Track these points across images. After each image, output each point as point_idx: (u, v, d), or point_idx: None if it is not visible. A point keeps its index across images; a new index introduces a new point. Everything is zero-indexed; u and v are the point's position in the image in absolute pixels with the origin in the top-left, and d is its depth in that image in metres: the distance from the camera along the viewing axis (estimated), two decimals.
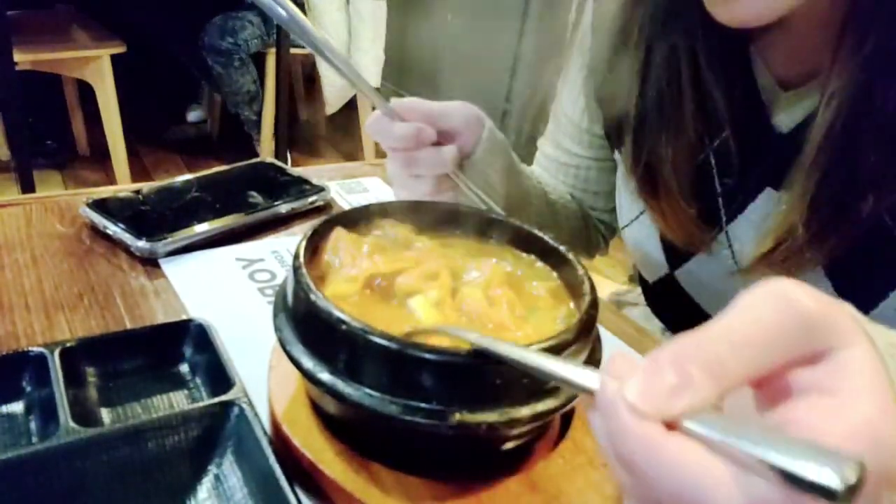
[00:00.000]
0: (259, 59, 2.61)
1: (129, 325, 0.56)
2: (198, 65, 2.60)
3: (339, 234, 0.48)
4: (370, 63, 2.72)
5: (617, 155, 0.72)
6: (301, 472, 0.41)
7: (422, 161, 0.59)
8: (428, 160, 0.59)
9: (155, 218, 0.69)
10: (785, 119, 0.59)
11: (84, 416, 0.42)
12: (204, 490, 0.42)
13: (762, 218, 0.61)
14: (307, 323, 0.41)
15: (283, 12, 0.49)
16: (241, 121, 2.71)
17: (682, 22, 0.59)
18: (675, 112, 0.61)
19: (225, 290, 0.62)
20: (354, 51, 2.68)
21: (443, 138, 0.60)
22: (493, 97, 2.76)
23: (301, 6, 2.23)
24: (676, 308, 0.72)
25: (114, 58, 2.28)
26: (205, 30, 2.50)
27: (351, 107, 3.05)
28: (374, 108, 0.58)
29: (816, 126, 0.53)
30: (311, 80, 3.21)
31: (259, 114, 2.68)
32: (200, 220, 0.69)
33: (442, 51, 3.05)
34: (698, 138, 0.61)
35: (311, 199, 0.78)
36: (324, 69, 2.67)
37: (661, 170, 0.63)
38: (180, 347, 0.52)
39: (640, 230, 0.71)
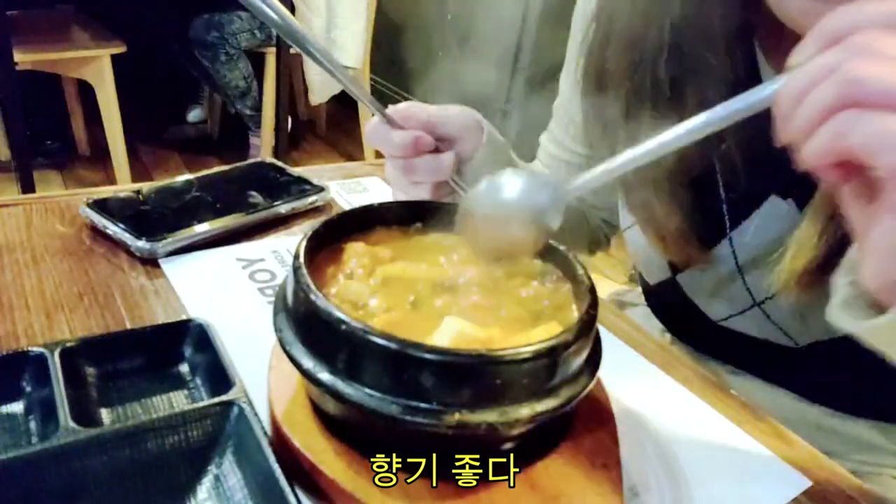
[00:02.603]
0: (259, 59, 2.60)
1: (129, 325, 0.56)
2: (192, 62, 2.60)
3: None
4: (349, 40, 2.61)
5: None
6: (301, 472, 0.41)
7: (420, 168, 0.59)
8: (426, 167, 0.59)
9: (155, 218, 0.69)
10: None
11: (84, 416, 0.42)
12: (204, 490, 0.42)
13: (767, 225, 0.61)
14: (307, 323, 0.41)
15: (274, 16, 0.48)
16: (238, 115, 2.71)
17: (690, 31, 0.59)
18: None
19: (225, 290, 0.62)
20: (332, 27, 2.59)
21: (442, 144, 0.60)
22: (492, 96, 2.76)
23: None
24: (677, 310, 0.72)
25: (114, 58, 2.28)
26: (191, 24, 2.50)
27: (351, 107, 3.04)
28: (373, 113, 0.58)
29: None
30: None
31: (254, 109, 2.67)
32: (200, 220, 0.69)
33: (438, 46, 3.04)
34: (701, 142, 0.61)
35: (311, 199, 0.78)
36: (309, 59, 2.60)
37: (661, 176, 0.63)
38: (180, 347, 0.52)
39: (642, 234, 0.70)
